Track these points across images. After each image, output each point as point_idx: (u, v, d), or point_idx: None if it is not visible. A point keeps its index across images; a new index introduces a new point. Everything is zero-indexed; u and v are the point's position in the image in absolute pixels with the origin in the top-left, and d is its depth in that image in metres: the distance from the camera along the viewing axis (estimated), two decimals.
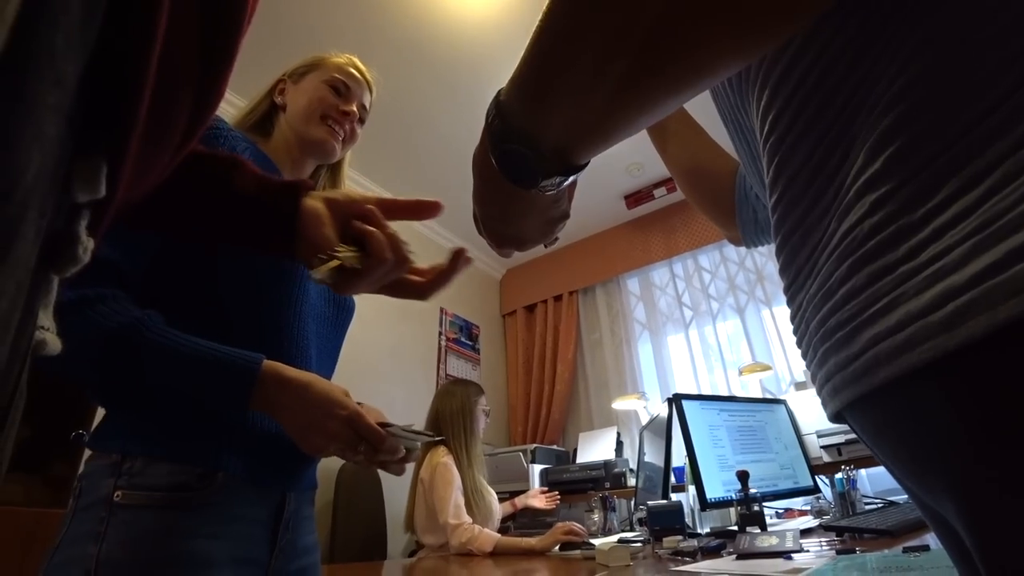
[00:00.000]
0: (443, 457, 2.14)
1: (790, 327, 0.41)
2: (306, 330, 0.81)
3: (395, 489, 2.68)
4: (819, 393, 0.37)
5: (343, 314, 0.93)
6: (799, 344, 0.40)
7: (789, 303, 0.41)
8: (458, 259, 0.60)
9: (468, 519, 2.01)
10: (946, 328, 0.25)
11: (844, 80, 0.32)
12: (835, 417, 0.37)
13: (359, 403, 0.71)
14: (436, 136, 2.95)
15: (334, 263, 0.51)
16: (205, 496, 0.66)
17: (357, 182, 3.12)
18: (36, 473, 1.53)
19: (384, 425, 0.69)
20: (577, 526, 1.93)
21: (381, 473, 2.67)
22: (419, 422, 2.44)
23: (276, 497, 0.75)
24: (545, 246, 0.53)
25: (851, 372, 0.32)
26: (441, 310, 3.71)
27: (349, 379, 1.06)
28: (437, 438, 0.73)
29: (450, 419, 2.27)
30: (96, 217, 0.27)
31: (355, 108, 0.97)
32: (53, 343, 0.28)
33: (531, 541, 1.91)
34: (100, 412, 0.77)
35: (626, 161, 3.21)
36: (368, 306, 3.16)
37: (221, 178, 0.55)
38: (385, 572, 1.84)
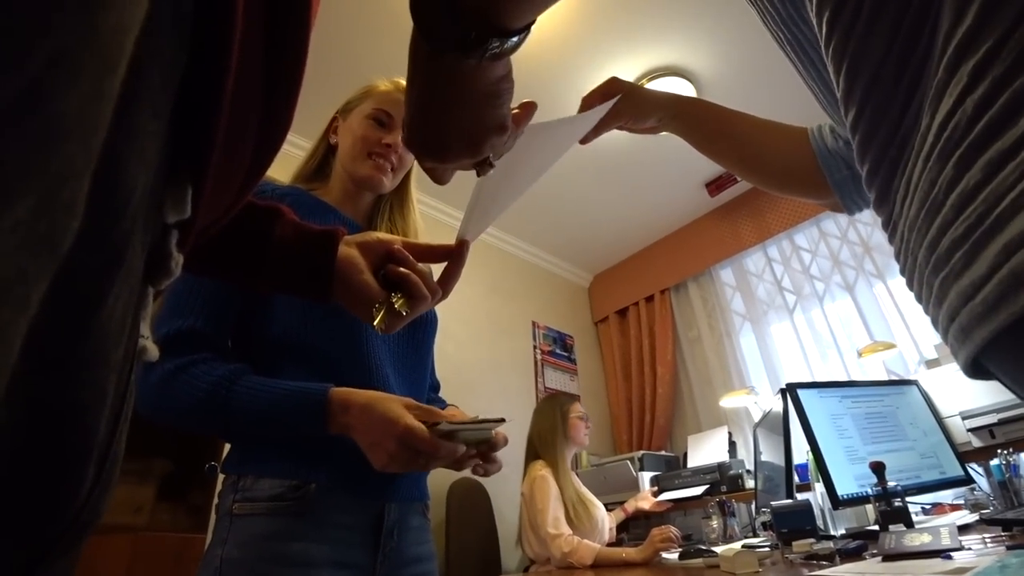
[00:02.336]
0: (540, 470, 2.13)
1: (909, 294, 0.33)
2: (377, 354, 0.87)
3: (505, 503, 2.69)
4: (946, 340, 0.29)
5: (420, 331, 0.96)
6: (911, 286, 0.32)
7: (891, 239, 0.33)
8: (460, 251, 0.64)
9: (568, 530, 1.97)
10: None
11: None
12: (972, 368, 0.28)
13: (452, 405, 0.73)
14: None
15: (383, 311, 0.58)
16: (301, 505, 0.75)
17: (430, 205, 3.20)
18: (180, 502, 1.73)
19: (432, 425, 0.70)
20: (673, 530, 1.85)
21: (490, 488, 2.69)
22: (522, 440, 2.43)
23: (375, 506, 0.82)
24: (478, 173, 0.47)
25: (981, 301, 0.24)
26: (533, 323, 3.71)
27: (450, 399, 1.07)
28: (498, 419, 0.72)
29: (546, 436, 2.27)
30: (183, 236, 0.31)
31: (398, 138, 0.98)
32: (151, 350, 0.31)
33: (631, 552, 1.84)
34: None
35: None
36: (461, 326, 3.24)
37: (262, 229, 0.60)
38: None
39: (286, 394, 0.74)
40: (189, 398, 0.72)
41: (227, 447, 0.86)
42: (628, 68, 2.53)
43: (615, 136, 3.16)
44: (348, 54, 2.35)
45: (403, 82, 1.00)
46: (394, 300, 0.59)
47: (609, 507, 2.73)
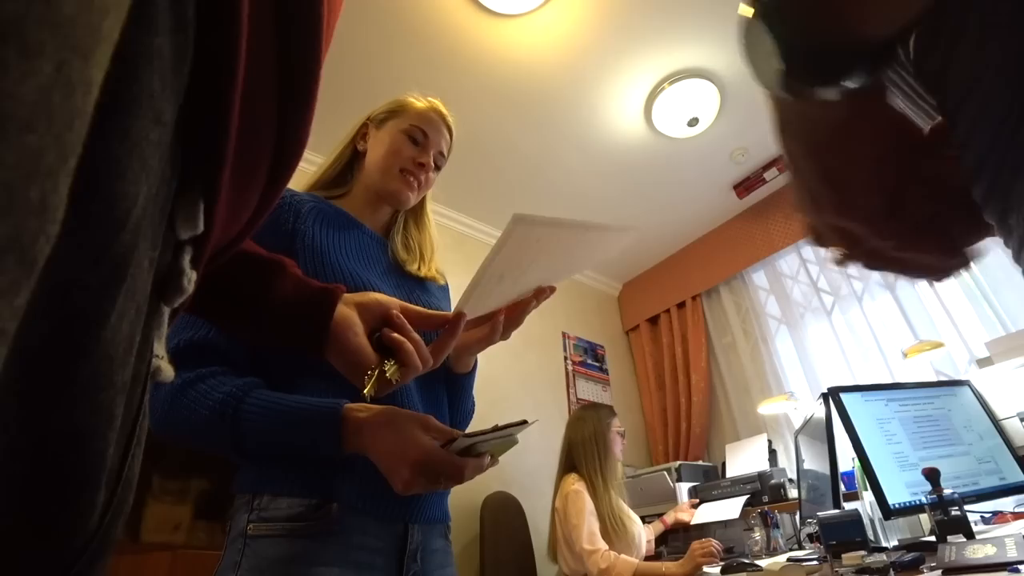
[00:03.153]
0: (574, 484, 2.09)
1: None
2: None
3: (540, 517, 2.65)
4: None
5: None
6: (987, 205, 0.26)
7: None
8: (456, 322, 0.65)
9: (604, 545, 1.92)
10: None
11: None
12: None
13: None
14: (514, 157, 2.96)
15: (374, 379, 0.59)
16: (322, 525, 0.71)
17: (446, 215, 3.22)
18: (216, 520, 1.77)
19: (448, 443, 0.68)
20: (714, 543, 1.79)
21: (524, 501, 2.66)
22: (555, 451, 2.40)
23: (398, 528, 0.78)
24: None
25: None
26: (563, 334, 3.68)
27: (480, 413, 1.05)
28: (520, 422, 0.70)
29: (583, 446, 2.21)
30: (197, 253, 0.30)
31: (431, 159, 0.98)
32: (167, 371, 0.31)
33: (671, 566, 1.78)
34: None
35: (729, 148, 3.02)
36: None
37: (263, 283, 0.60)
38: None
39: (298, 411, 0.70)
40: (196, 416, 0.69)
41: None
42: (650, 71, 2.50)
43: (637, 142, 3.14)
44: (365, 74, 2.38)
45: (440, 104, 1.01)
46: (386, 368, 0.60)
47: (647, 520, 2.66)
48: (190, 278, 0.30)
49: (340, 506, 0.73)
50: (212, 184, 0.28)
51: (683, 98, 2.57)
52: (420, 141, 0.97)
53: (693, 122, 2.67)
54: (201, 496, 1.76)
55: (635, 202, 3.40)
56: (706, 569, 1.78)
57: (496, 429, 0.69)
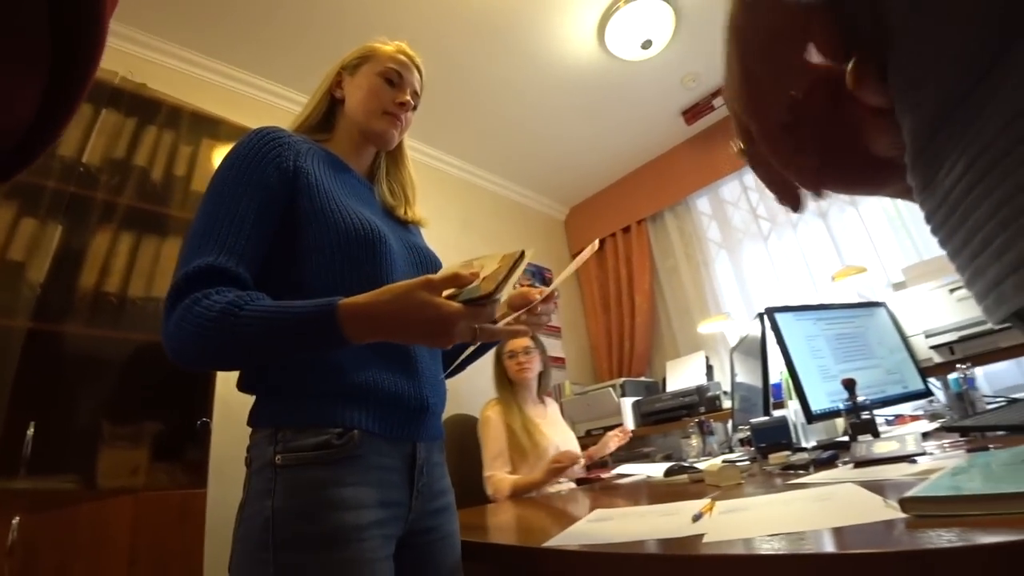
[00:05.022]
0: (486, 411, 2.24)
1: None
2: None
3: None
4: (992, 292, 0.28)
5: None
6: (956, 241, 0.29)
7: (922, 192, 0.31)
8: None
9: (496, 470, 2.09)
10: None
11: None
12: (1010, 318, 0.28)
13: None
14: (464, 78, 2.88)
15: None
16: (346, 451, 0.78)
17: (423, 151, 3.15)
18: (175, 460, 1.76)
19: (453, 298, 0.72)
20: (571, 453, 2.02)
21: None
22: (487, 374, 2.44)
23: (407, 448, 0.86)
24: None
25: None
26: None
27: None
28: (520, 253, 0.76)
29: (494, 370, 2.35)
30: None
31: (409, 97, 1.03)
32: None
33: (535, 476, 1.99)
34: (226, 401, 0.87)
35: (679, 73, 3.02)
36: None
37: None
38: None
39: (297, 308, 0.71)
40: (201, 326, 0.70)
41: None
42: None
43: (588, 65, 3.10)
44: (341, 10, 2.21)
45: (406, 47, 1.02)
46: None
47: (595, 432, 2.86)
48: None
49: (359, 432, 0.80)
50: None
51: (637, 19, 2.53)
52: (396, 82, 1.02)
53: (646, 44, 2.64)
54: (157, 438, 1.75)
55: (585, 125, 3.38)
56: (566, 482, 2.05)
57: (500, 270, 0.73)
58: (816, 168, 0.35)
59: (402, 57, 1.04)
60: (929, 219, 0.31)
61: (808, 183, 0.36)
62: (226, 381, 1.80)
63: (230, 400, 1.98)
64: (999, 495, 0.52)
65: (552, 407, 2.49)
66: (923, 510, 0.56)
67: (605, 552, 0.74)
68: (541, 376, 2.41)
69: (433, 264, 1.02)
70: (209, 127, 2.14)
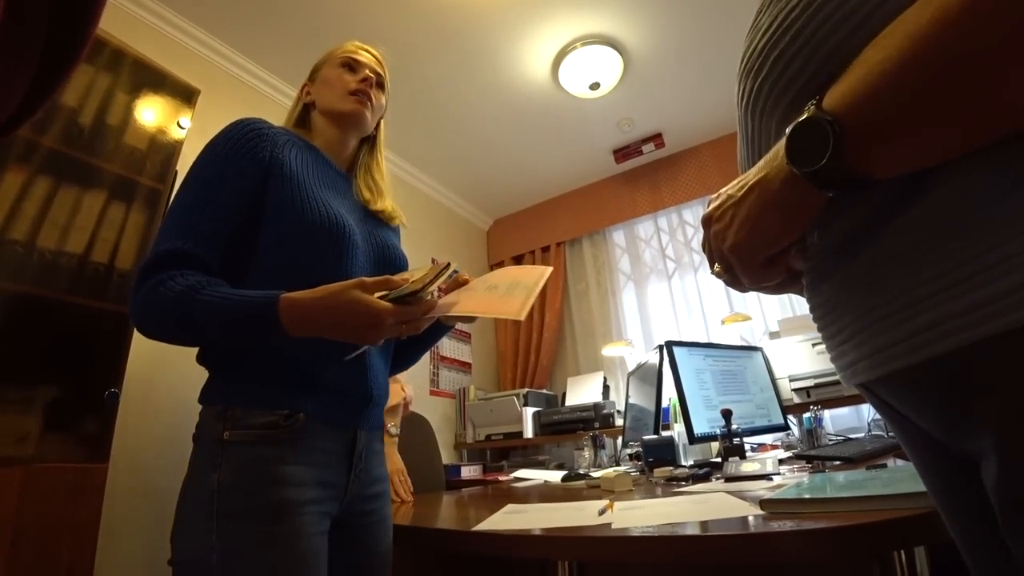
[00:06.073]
0: None
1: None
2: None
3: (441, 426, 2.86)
4: (849, 368, 0.46)
5: (393, 267, 1.06)
6: (828, 331, 0.49)
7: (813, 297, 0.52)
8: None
9: None
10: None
11: None
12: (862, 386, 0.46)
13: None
14: (418, 83, 2.96)
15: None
16: (291, 432, 0.84)
17: (397, 165, 3.19)
18: (70, 432, 1.59)
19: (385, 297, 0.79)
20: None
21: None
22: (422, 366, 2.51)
23: (349, 434, 0.93)
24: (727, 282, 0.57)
25: (903, 347, 0.39)
26: (433, 261, 3.81)
27: None
28: (446, 265, 0.86)
29: None
30: None
31: (369, 73, 1.11)
32: None
33: None
34: (141, 376, 0.92)
35: (618, 116, 3.28)
36: None
37: None
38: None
39: (245, 299, 0.78)
40: (162, 305, 0.77)
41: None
42: (567, 28, 2.59)
43: (538, 93, 3.24)
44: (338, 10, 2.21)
45: (357, 41, 1.12)
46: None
47: (494, 437, 3.00)
48: None
49: (305, 416, 0.85)
50: None
51: (590, 61, 2.73)
52: (354, 67, 1.11)
53: (594, 86, 2.86)
54: (51, 405, 1.54)
55: (524, 145, 3.54)
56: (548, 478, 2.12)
57: (418, 280, 0.81)
58: (774, 284, 0.56)
59: (352, 46, 1.13)
60: (812, 311, 0.52)
61: (760, 289, 0.57)
62: (142, 357, 1.73)
63: (146, 375, 1.91)
64: (828, 499, 0.72)
65: None
66: (775, 508, 0.75)
67: (537, 535, 0.88)
68: None
69: (398, 263, 1.07)
70: (152, 78, 1.98)
